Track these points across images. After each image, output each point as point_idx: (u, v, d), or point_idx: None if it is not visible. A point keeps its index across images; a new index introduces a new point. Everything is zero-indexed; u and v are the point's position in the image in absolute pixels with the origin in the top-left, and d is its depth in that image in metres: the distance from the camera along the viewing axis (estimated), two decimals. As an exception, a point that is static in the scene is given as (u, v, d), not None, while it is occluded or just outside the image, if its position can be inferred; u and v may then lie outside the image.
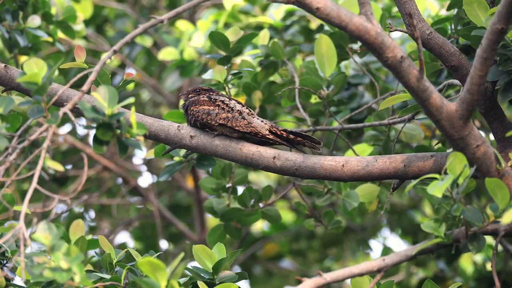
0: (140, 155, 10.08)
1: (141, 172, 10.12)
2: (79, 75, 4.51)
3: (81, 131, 9.67)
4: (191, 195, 9.92)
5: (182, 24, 7.95)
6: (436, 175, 4.54)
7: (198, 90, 5.51)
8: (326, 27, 6.85)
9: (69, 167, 9.63)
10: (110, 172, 9.62)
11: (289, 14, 7.40)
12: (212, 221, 10.29)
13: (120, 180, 10.03)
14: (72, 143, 9.14)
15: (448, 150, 5.85)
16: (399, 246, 10.62)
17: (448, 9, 5.92)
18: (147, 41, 8.95)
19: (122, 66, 9.30)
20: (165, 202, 10.47)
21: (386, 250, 10.37)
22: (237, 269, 9.42)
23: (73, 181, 9.96)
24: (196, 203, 9.64)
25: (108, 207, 10.21)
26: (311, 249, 10.51)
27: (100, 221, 10.40)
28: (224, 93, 5.99)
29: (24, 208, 4.36)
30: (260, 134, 5.28)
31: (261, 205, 6.15)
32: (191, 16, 9.21)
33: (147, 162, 10.00)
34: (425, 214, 9.68)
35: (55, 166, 4.43)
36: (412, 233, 9.61)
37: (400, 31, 5.33)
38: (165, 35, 8.25)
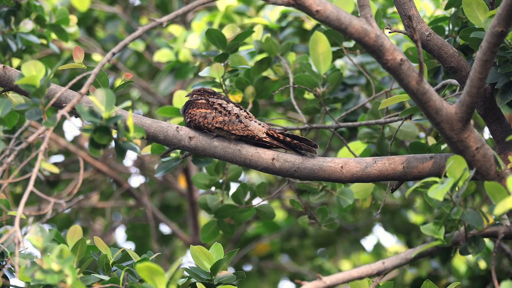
0: (133, 157, 10.05)
1: (134, 174, 10.09)
2: (78, 77, 4.49)
3: (70, 134, 9.65)
4: (183, 196, 9.89)
5: (174, 29, 7.93)
6: (436, 179, 4.54)
7: (202, 91, 5.51)
8: (322, 26, 6.85)
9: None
10: (103, 174, 9.59)
11: (284, 15, 7.39)
12: (205, 222, 10.28)
13: (112, 181, 10.00)
14: (65, 145, 9.11)
15: (443, 146, 5.87)
16: (392, 243, 10.66)
17: (446, 8, 5.92)
18: (139, 46, 8.93)
19: (112, 67, 9.26)
20: (156, 203, 10.45)
21: (379, 248, 10.40)
22: (230, 269, 9.42)
23: (65, 183, 9.93)
24: (189, 205, 9.61)
25: (100, 209, 10.18)
26: (303, 248, 10.53)
27: (93, 222, 10.37)
28: (221, 90, 5.98)
29: (19, 211, 4.33)
30: (257, 137, 5.28)
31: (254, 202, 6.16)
32: (183, 18, 9.19)
33: (140, 164, 9.98)
34: (418, 213, 9.70)
35: (51, 169, 4.41)
36: (405, 232, 9.63)
37: (399, 32, 5.33)
38: (158, 39, 8.23)
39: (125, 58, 9.26)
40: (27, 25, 6.54)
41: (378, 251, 10.45)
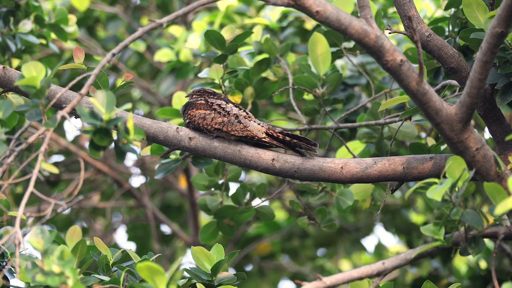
0: (134, 158, 10.05)
1: (134, 174, 10.09)
2: (78, 78, 4.49)
3: (71, 134, 9.65)
4: (184, 196, 9.89)
5: (175, 29, 7.92)
6: (436, 179, 4.53)
7: (202, 91, 5.50)
8: (322, 26, 6.84)
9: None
10: (104, 175, 9.59)
11: (285, 15, 7.39)
12: (205, 222, 10.27)
13: (113, 182, 9.99)
14: (66, 145, 9.11)
15: (443, 147, 5.87)
16: (393, 243, 10.66)
17: (446, 8, 5.92)
18: (140, 46, 8.93)
19: (113, 67, 9.26)
20: (157, 203, 10.45)
21: (380, 248, 10.40)
22: (231, 269, 9.41)
23: (66, 183, 9.93)
24: (190, 205, 9.61)
25: (101, 209, 10.18)
26: (304, 248, 10.53)
27: (93, 222, 10.38)
28: (220, 91, 5.97)
29: (20, 213, 4.33)
30: (256, 137, 5.27)
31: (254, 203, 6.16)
32: (184, 18, 9.18)
33: (141, 164, 9.98)
34: (419, 213, 9.70)
35: (50, 169, 4.42)
36: (406, 232, 9.63)
37: (399, 33, 5.32)
38: (159, 40, 8.22)
39: (126, 58, 9.25)
40: (26, 25, 6.54)
41: (380, 251, 10.45)
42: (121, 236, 10.69)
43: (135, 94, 10.07)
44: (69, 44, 8.45)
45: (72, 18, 6.94)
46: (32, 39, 6.54)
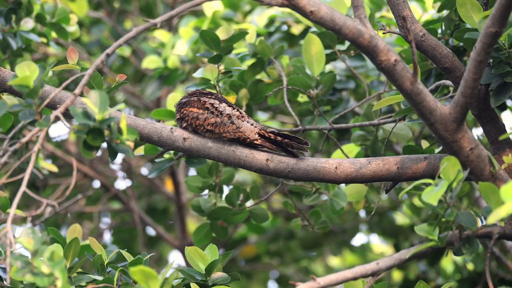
0: (119, 161, 10.02)
1: (120, 178, 10.06)
2: (71, 78, 4.48)
3: (58, 136, 9.61)
4: (170, 199, 9.87)
5: (160, 34, 7.91)
6: (430, 180, 4.54)
7: (197, 93, 5.49)
8: (313, 28, 6.86)
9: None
10: (90, 179, 9.55)
11: (272, 21, 7.39)
12: (192, 226, 10.26)
13: (97, 184, 9.96)
14: (52, 150, 9.07)
15: (437, 150, 5.89)
16: (380, 245, 10.69)
17: (439, 10, 5.95)
18: (125, 51, 8.90)
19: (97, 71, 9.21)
20: (142, 205, 10.43)
21: (365, 249, 10.43)
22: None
23: (53, 188, 9.88)
24: (177, 208, 9.59)
25: (87, 213, 10.14)
26: (289, 250, 10.54)
27: (81, 226, 10.34)
28: (215, 91, 5.95)
29: (12, 212, 4.31)
30: (248, 139, 5.26)
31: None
32: (169, 22, 9.17)
33: (127, 168, 9.95)
34: (405, 215, 9.73)
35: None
36: (392, 234, 9.65)
37: (394, 33, 5.34)
38: (144, 45, 8.20)
39: (110, 62, 9.23)
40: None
41: (364, 252, 10.48)
42: (106, 239, 10.63)
43: (119, 97, 10.04)
44: (53, 50, 8.42)
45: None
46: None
